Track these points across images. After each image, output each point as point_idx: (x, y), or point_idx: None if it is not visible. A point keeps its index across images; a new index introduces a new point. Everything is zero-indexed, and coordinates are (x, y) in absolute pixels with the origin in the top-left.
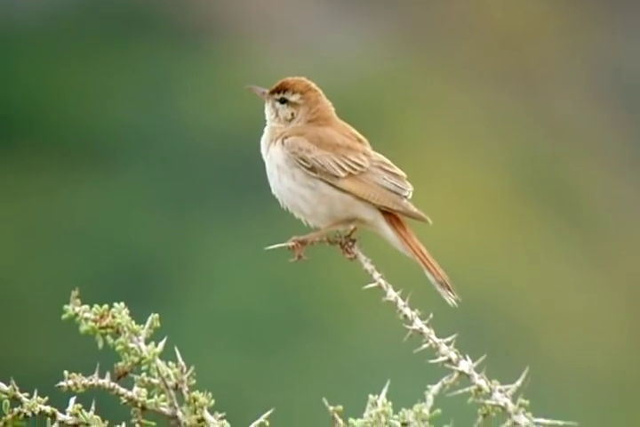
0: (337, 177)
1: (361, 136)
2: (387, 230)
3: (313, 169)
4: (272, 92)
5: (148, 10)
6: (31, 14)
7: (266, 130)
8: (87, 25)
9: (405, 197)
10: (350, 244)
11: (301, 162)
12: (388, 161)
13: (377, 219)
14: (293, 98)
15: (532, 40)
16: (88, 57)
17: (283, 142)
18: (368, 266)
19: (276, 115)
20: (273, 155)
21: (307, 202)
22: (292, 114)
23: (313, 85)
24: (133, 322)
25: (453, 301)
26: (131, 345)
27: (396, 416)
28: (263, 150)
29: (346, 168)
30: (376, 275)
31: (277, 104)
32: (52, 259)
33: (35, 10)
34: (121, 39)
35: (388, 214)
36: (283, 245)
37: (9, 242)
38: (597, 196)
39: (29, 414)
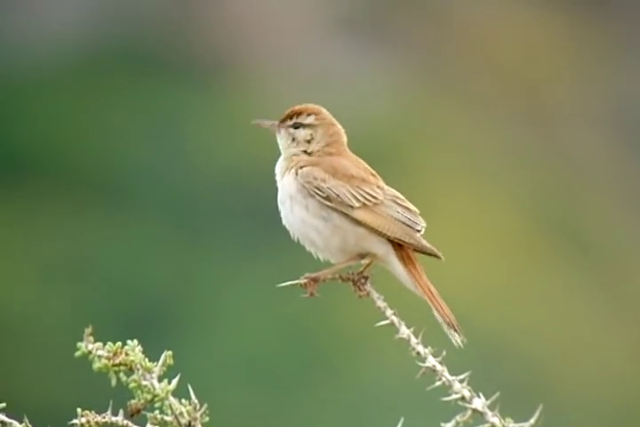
0: (351, 207)
1: (373, 171)
2: (397, 266)
3: (328, 199)
4: (282, 121)
5: (159, 50)
6: (46, 53)
7: (280, 161)
8: (95, 64)
9: (418, 231)
10: (363, 281)
11: (317, 191)
12: (401, 196)
13: (388, 254)
14: (308, 120)
15: (547, 74)
16: (100, 96)
17: (297, 172)
18: (381, 303)
19: (293, 140)
20: (285, 184)
21: (320, 234)
22: (311, 135)
23: (323, 109)
24: (147, 359)
25: (459, 342)
26: (144, 383)
27: None
28: (278, 181)
29: (360, 199)
30: (389, 312)
31: (292, 130)
32: (66, 296)
33: (45, 50)
34: (133, 79)
35: (400, 250)
36: (295, 282)
37: (22, 279)
38: (614, 232)
39: None
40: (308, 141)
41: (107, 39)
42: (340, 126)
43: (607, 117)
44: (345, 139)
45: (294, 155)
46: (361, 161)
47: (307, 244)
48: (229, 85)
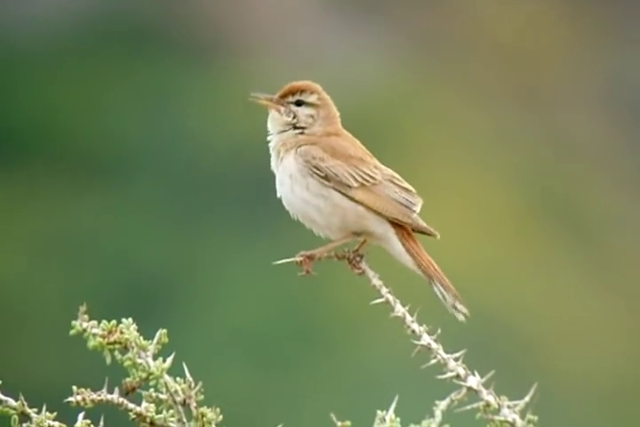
0: (349, 187)
1: (368, 152)
2: (396, 244)
3: (326, 178)
4: (282, 97)
5: (153, 27)
6: (38, 32)
7: (274, 138)
8: (93, 42)
9: (415, 211)
10: (358, 259)
11: (315, 170)
12: (398, 175)
13: (387, 232)
14: (311, 98)
15: (542, 55)
16: (94, 73)
17: (296, 151)
18: (376, 281)
19: (293, 117)
20: (286, 165)
21: (320, 212)
22: (313, 115)
23: (320, 87)
24: (141, 338)
25: (462, 316)
26: (139, 361)
27: None
28: (273, 160)
29: (358, 179)
30: (384, 290)
31: (293, 107)
32: (60, 274)
33: (41, 27)
34: (127, 56)
35: (399, 228)
36: (291, 259)
37: (17, 257)
38: (608, 211)
39: None
40: (311, 123)
41: (104, 16)
42: (334, 106)
43: (602, 99)
44: (339, 119)
45: (291, 136)
46: (357, 141)
47: (307, 222)
48: (225, 61)
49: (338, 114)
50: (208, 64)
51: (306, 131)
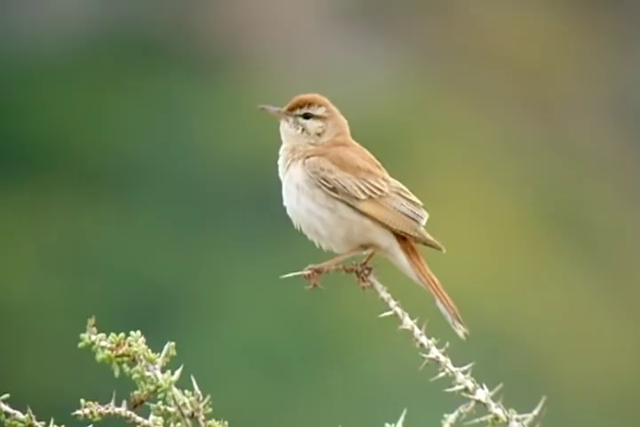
0: (357, 199)
1: (377, 162)
2: (401, 258)
3: (334, 190)
4: (291, 110)
5: (159, 40)
6: (42, 47)
7: (282, 150)
8: (98, 56)
9: (421, 224)
10: (366, 272)
11: (323, 182)
12: (405, 188)
13: (392, 245)
14: (319, 111)
15: (552, 66)
16: (104, 87)
17: (304, 162)
18: (384, 294)
19: (303, 130)
20: (293, 174)
21: (325, 224)
22: (322, 127)
23: (327, 99)
24: (150, 350)
25: (462, 334)
26: (147, 374)
27: None
28: (281, 170)
29: (366, 191)
30: (392, 303)
31: (301, 120)
32: (69, 287)
33: (46, 42)
34: (132, 69)
35: (404, 242)
36: (298, 273)
37: (26, 270)
38: (617, 223)
39: None
40: (319, 134)
41: (111, 30)
42: (342, 116)
43: (608, 106)
44: (348, 129)
45: (300, 145)
46: (366, 151)
47: (310, 233)
48: (231, 74)
49: (346, 123)
50: (214, 77)
51: (314, 143)
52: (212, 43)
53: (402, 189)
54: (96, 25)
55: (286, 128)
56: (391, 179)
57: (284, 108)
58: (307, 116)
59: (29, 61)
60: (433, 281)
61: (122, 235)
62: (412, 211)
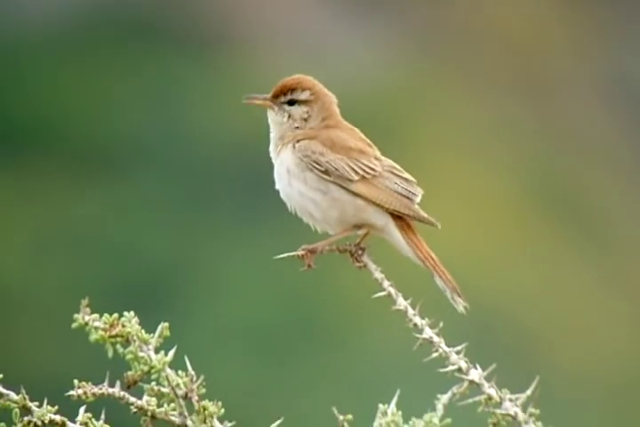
0: (350, 180)
1: (369, 141)
2: (397, 236)
3: (327, 172)
4: (275, 97)
5: (156, 19)
6: (39, 22)
7: (272, 137)
8: (95, 33)
9: (415, 202)
10: (360, 252)
11: (315, 165)
12: (398, 166)
13: (388, 224)
14: (304, 96)
15: (541, 48)
16: (96, 65)
17: (294, 146)
18: (378, 275)
19: (289, 117)
20: (284, 159)
21: (317, 206)
22: (307, 112)
23: (314, 80)
24: (143, 331)
25: (462, 308)
26: (140, 354)
27: (405, 426)
28: (273, 156)
29: (359, 171)
30: (386, 283)
31: (286, 107)
32: (62, 267)
33: (43, 17)
34: (130, 48)
35: (399, 220)
36: (292, 253)
37: (18, 250)
38: (606, 203)
39: (39, 423)
40: (305, 119)
41: (108, 9)
42: (330, 94)
43: (605, 89)
44: (337, 107)
45: (288, 131)
46: (356, 130)
47: (304, 216)
48: (230, 54)
49: (335, 101)
50: (212, 57)
51: (302, 128)
52: (210, 22)
53: (394, 168)
54: (91, 3)
55: (273, 116)
56: (383, 157)
57: (269, 95)
58: (291, 103)
59: (21, 41)
60: (431, 257)
61: (118, 216)
62: (405, 189)
